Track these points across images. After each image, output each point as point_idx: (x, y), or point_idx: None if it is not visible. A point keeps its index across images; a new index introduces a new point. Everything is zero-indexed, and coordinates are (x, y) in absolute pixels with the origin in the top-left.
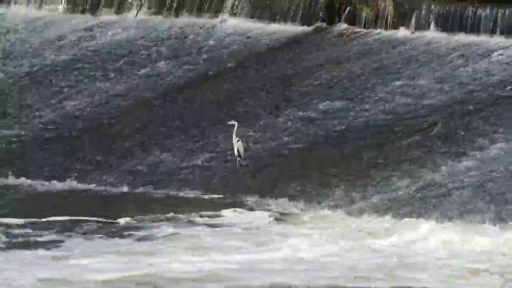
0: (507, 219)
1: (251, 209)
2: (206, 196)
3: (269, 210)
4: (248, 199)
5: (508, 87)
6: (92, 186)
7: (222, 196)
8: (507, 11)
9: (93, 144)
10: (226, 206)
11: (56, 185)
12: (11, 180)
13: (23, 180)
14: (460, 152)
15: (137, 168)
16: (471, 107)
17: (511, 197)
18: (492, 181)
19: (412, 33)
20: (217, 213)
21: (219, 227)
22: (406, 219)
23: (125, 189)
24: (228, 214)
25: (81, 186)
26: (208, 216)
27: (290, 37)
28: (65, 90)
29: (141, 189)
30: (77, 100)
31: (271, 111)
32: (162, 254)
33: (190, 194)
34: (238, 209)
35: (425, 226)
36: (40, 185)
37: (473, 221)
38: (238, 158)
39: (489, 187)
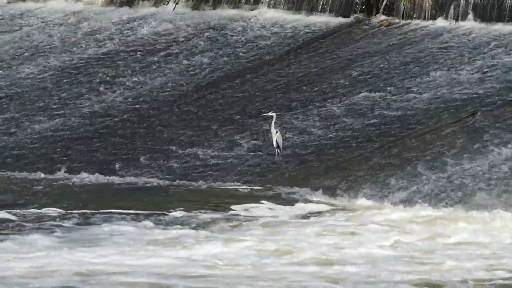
0: None
1: (292, 200)
2: (245, 187)
3: (310, 202)
4: (288, 190)
5: None
6: (131, 179)
7: (261, 187)
8: None
9: (132, 137)
10: (266, 197)
11: (99, 178)
12: (61, 174)
13: (70, 174)
14: (500, 142)
15: (177, 161)
16: (509, 98)
17: None
18: None
19: (451, 23)
20: (257, 204)
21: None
22: (449, 209)
23: (164, 182)
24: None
25: (119, 179)
26: (248, 208)
27: (328, 28)
28: (104, 83)
29: (179, 182)
30: (116, 94)
31: (311, 103)
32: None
33: (229, 185)
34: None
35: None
36: (81, 179)
37: None
38: (277, 150)
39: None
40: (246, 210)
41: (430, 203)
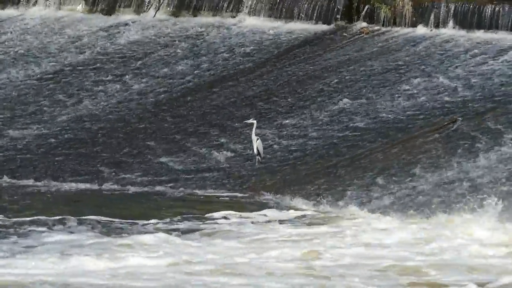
0: None
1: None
2: (225, 195)
3: (289, 208)
4: (266, 197)
5: None
6: (111, 186)
7: (241, 194)
8: None
9: (111, 144)
10: (246, 204)
11: (75, 185)
12: (32, 181)
13: (44, 181)
14: (479, 149)
15: (155, 168)
16: (490, 104)
17: None
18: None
19: (431, 30)
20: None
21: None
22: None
23: (144, 188)
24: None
25: (99, 186)
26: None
27: (309, 36)
28: (84, 90)
29: (159, 188)
30: (96, 100)
31: (290, 110)
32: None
33: (209, 193)
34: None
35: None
36: (56, 186)
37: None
38: (257, 157)
39: (507, 185)
40: (202, 219)
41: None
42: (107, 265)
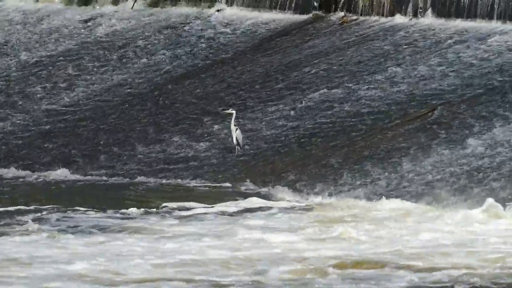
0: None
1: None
2: (203, 185)
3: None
4: (246, 187)
5: (506, 73)
6: (91, 177)
7: (220, 184)
8: None
9: (92, 135)
10: (225, 194)
11: (57, 175)
12: (13, 171)
13: (27, 172)
14: (458, 138)
15: (135, 159)
16: (469, 93)
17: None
18: (490, 167)
19: (410, 19)
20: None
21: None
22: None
23: (123, 179)
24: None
25: (81, 176)
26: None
27: (287, 25)
28: (63, 81)
29: (138, 179)
30: (75, 92)
31: (269, 100)
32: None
33: (189, 183)
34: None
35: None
36: (39, 176)
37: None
38: (237, 147)
39: (487, 173)
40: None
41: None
42: None
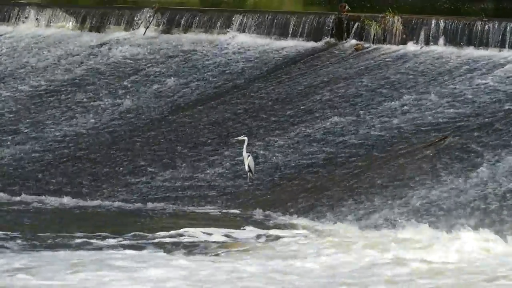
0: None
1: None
2: (217, 212)
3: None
4: (259, 215)
5: None
6: (102, 202)
7: (234, 211)
8: None
9: (101, 161)
10: (239, 221)
11: (67, 201)
12: (24, 197)
13: (35, 197)
14: (470, 167)
15: (146, 185)
16: (480, 121)
17: None
18: (501, 196)
19: (421, 48)
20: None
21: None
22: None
23: (135, 205)
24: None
25: (91, 202)
26: (222, 233)
27: (299, 53)
28: (74, 107)
29: (150, 206)
30: (86, 118)
31: (280, 128)
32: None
33: (200, 209)
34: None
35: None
36: (50, 202)
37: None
38: (249, 173)
39: (497, 203)
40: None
41: (394, 227)
42: None
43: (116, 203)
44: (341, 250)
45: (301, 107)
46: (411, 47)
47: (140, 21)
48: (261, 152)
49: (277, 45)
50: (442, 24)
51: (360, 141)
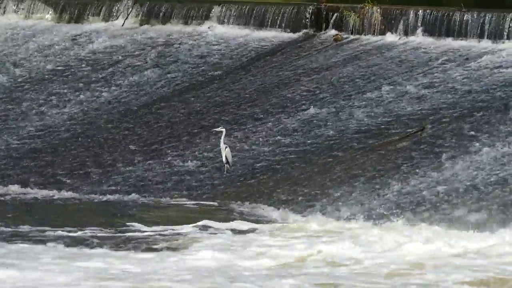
0: (493, 225)
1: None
2: (193, 203)
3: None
4: (236, 206)
5: (496, 92)
6: (80, 195)
7: (210, 203)
8: (494, 15)
9: (80, 153)
10: (214, 213)
11: (44, 193)
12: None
13: (15, 188)
14: (448, 157)
15: (125, 176)
16: (459, 112)
17: (496, 203)
18: (479, 186)
19: (400, 38)
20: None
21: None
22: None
23: (114, 197)
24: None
25: (68, 194)
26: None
27: (277, 44)
28: (53, 98)
29: (129, 197)
30: (64, 109)
31: (259, 119)
32: None
33: (177, 201)
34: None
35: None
36: (26, 194)
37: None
38: (226, 165)
39: (475, 193)
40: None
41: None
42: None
43: (91, 195)
44: (315, 242)
45: (280, 98)
46: (390, 37)
47: (119, 12)
48: (240, 143)
49: (256, 36)
50: (421, 15)
51: (339, 133)
